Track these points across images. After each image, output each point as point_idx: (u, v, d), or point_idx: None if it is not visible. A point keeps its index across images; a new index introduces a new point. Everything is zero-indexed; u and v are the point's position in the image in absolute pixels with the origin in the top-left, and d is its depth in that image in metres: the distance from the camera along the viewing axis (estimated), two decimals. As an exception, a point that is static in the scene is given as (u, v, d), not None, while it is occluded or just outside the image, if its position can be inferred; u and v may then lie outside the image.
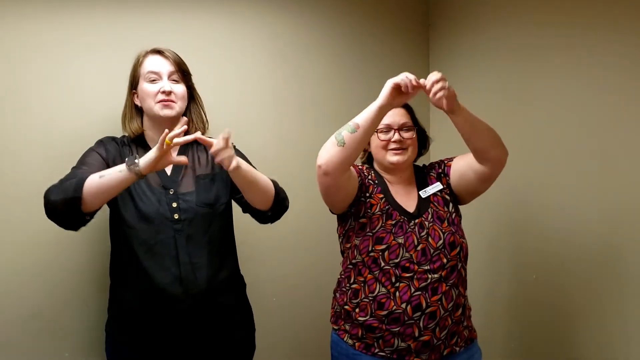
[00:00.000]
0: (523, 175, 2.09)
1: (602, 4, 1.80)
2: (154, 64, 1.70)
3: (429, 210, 1.69)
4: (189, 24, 2.10)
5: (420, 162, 1.87)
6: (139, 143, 1.74)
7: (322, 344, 2.37)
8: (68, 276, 1.92)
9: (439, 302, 1.60)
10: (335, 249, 2.27)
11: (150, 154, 1.51)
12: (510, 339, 2.16)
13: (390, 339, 1.61)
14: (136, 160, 1.50)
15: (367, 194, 1.71)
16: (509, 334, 2.16)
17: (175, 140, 1.49)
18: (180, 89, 1.72)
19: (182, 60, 1.75)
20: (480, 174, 1.67)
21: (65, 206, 1.51)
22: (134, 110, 1.75)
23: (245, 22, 2.21)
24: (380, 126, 1.71)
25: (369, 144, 1.77)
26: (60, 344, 1.93)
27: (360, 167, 1.79)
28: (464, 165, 1.71)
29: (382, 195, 1.71)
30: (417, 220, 1.66)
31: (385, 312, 1.61)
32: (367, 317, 1.64)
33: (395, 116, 1.73)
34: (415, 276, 1.60)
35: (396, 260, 1.62)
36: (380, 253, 1.63)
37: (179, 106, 1.71)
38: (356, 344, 1.67)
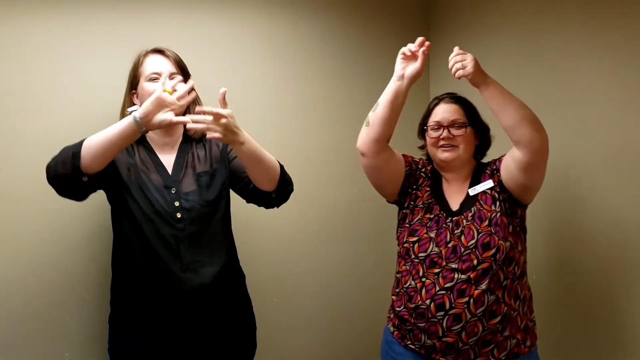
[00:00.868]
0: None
1: (603, 4, 1.80)
2: (155, 63, 1.71)
3: (473, 208, 1.65)
4: (189, 24, 2.10)
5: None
6: (139, 141, 1.73)
7: (323, 343, 2.38)
8: (68, 276, 1.92)
9: (465, 305, 1.55)
10: (336, 248, 2.28)
11: (148, 101, 1.51)
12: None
13: (418, 333, 1.63)
14: (136, 107, 1.52)
15: (415, 186, 1.74)
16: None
17: (176, 95, 1.52)
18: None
19: (181, 60, 1.76)
20: (518, 160, 1.58)
21: (63, 165, 1.52)
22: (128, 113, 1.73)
23: (245, 22, 2.21)
24: (431, 123, 1.72)
25: (425, 141, 1.77)
26: (60, 344, 1.93)
27: (416, 159, 1.81)
28: (508, 156, 1.65)
29: (428, 189, 1.72)
30: (455, 218, 1.65)
31: (413, 306, 1.62)
32: (402, 308, 1.67)
33: (446, 113, 1.71)
34: (441, 273, 1.59)
35: (425, 254, 1.63)
36: (412, 245, 1.66)
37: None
38: (395, 332, 1.71)
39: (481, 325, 1.56)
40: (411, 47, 1.60)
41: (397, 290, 1.71)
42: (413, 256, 1.65)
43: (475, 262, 1.57)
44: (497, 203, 1.64)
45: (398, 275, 1.72)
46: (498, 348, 1.58)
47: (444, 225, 1.65)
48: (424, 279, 1.62)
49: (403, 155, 1.80)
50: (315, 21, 2.34)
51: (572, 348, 1.90)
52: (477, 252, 1.57)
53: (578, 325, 1.89)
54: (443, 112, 1.71)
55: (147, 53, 1.73)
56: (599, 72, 1.81)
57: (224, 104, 1.55)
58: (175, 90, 1.56)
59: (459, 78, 1.55)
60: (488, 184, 1.67)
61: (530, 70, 2.06)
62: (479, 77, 1.54)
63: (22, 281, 1.88)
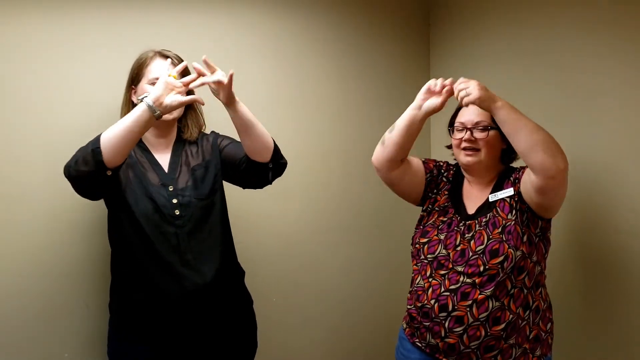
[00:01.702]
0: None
1: (604, 4, 1.79)
2: (160, 69, 1.70)
3: (489, 214, 1.62)
4: (190, 24, 2.10)
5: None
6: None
7: (322, 343, 2.38)
8: (68, 276, 1.92)
9: (468, 309, 1.55)
10: (337, 247, 2.27)
11: (157, 86, 1.56)
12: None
13: (424, 332, 1.64)
14: (146, 94, 1.57)
15: (436, 190, 1.76)
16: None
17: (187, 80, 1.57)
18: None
19: (187, 69, 1.73)
20: (533, 183, 1.53)
21: (85, 163, 1.54)
22: (131, 106, 1.74)
23: (245, 22, 2.21)
24: (456, 124, 1.71)
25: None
26: (60, 344, 1.92)
27: (440, 163, 1.82)
28: (527, 173, 1.59)
29: (447, 193, 1.74)
30: (468, 222, 1.65)
31: (420, 305, 1.64)
32: (412, 306, 1.69)
33: (471, 114, 1.68)
34: (448, 275, 1.60)
35: (433, 255, 1.64)
36: (422, 246, 1.68)
37: (177, 112, 1.72)
38: (406, 329, 1.74)
39: (484, 330, 1.55)
40: (439, 83, 1.64)
41: (410, 288, 1.74)
42: (422, 257, 1.68)
43: (481, 268, 1.56)
44: (514, 212, 1.59)
45: (413, 274, 1.74)
46: (502, 355, 1.57)
47: (455, 228, 1.65)
48: (431, 279, 1.63)
49: (424, 161, 1.80)
50: (315, 21, 2.34)
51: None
52: (484, 258, 1.56)
53: (572, 325, 1.89)
54: (469, 113, 1.68)
55: (154, 55, 1.74)
56: (602, 71, 1.81)
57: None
58: (179, 75, 1.61)
59: (467, 105, 1.55)
60: (509, 191, 1.63)
61: (530, 70, 2.06)
62: (486, 101, 1.51)
63: (22, 282, 1.87)
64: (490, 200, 1.65)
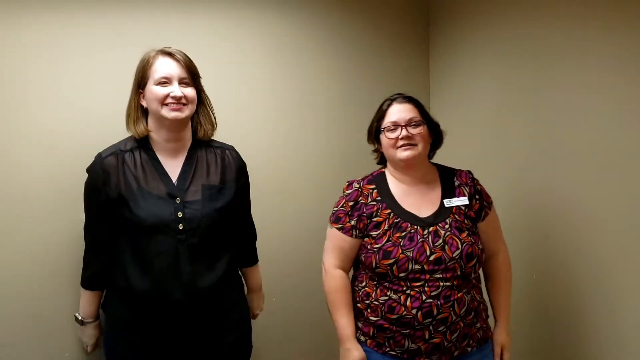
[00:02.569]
0: (521, 176, 2.08)
1: (605, 3, 1.79)
2: (165, 67, 1.65)
3: (448, 219, 1.66)
4: (190, 24, 2.10)
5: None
6: (143, 146, 1.71)
7: (322, 344, 2.38)
8: (68, 276, 1.92)
9: (451, 309, 1.60)
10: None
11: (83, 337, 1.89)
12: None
13: (400, 339, 1.62)
14: (78, 317, 1.84)
15: (373, 218, 1.68)
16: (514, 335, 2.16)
17: None
18: (190, 92, 1.67)
19: (192, 62, 1.71)
20: (484, 245, 1.73)
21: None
22: (140, 111, 1.70)
23: (245, 23, 2.21)
24: (387, 124, 1.69)
25: (380, 144, 1.75)
26: (60, 344, 1.93)
27: (358, 191, 1.73)
28: (485, 232, 1.74)
29: (389, 210, 1.68)
30: (431, 229, 1.64)
31: (395, 316, 1.61)
32: (378, 318, 1.65)
33: (402, 112, 1.69)
34: (426, 284, 1.60)
35: (405, 274, 1.61)
36: (389, 267, 1.61)
37: (189, 109, 1.67)
38: (368, 341, 1.69)
39: (462, 323, 1.63)
40: None
41: (367, 301, 1.68)
42: (392, 277, 1.62)
43: (458, 271, 1.61)
44: (467, 219, 1.69)
45: (367, 289, 1.69)
46: (472, 339, 1.67)
47: (420, 239, 1.62)
48: (407, 291, 1.61)
49: (344, 230, 1.71)
50: (314, 21, 2.34)
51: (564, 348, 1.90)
52: (461, 262, 1.61)
53: (572, 325, 1.89)
54: (399, 111, 1.69)
55: (156, 54, 1.68)
56: (600, 71, 1.80)
57: None
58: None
59: None
60: (463, 200, 1.70)
61: (530, 70, 2.06)
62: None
63: (22, 282, 1.88)
64: (445, 205, 1.69)
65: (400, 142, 1.67)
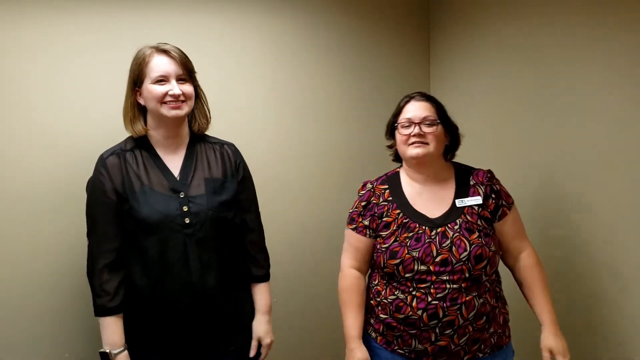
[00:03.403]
0: (521, 176, 2.08)
1: (606, 2, 1.79)
2: (161, 65, 1.63)
3: (458, 220, 1.63)
4: (190, 23, 2.10)
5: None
6: (143, 146, 1.70)
7: (323, 343, 2.38)
8: (68, 277, 1.92)
9: (458, 312, 1.57)
10: (335, 247, 2.25)
11: None
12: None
13: (408, 339, 1.62)
14: (107, 351, 1.62)
15: (383, 218, 1.69)
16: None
17: None
18: (188, 88, 1.67)
19: (187, 58, 1.70)
20: (504, 249, 1.71)
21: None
22: (137, 109, 1.69)
23: (245, 22, 2.21)
24: (402, 120, 1.69)
25: (395, 140, 1.74)
26: (60, 344, 1.92)
27: (370, 192, 1.76)
28: (506, 232, 1.69)
29: (398, 211, 1.68)
30: (439, 230, 1.62)
31: (402, 316, 1.61)
32: (387, 316, 1.65)
33: (417, 110, 1.68)
34: (432, 286, 1.58)
35: (411, 274, 1.60)
36: (395, 267, 1.62)
37: (188, 106, 1.67)
38: (378, 337, 1.70)
39: (471, 327, 1.59)
40: None
41: (378, 299, 1.69)
42: (399, 277, 1.62)
43: (467, 274, 1.58)
44: (480, 219, 1.65)
45: (378, 287, 1.70)
46: (484, 344, 1.63)
47: (427, 239, 1.61)
48: (413, 292, 1.60)
49: (358, 229, 1.74)
50: (314, 21, 2.34)
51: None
52: (469, 264, 1.58)
53: (574, 323, 1.89)
54: (414, 109, 1.68)
55: (152, 52, 1.65)
56: (601, 70, 1.80)
57: None
58: None
59: None
60: (476, 199, 1.67)
61: (530, 70, 2.06)
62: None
63: (22, 282, 1.88)
64: (457, 205, 1.66)
65: (412, 140, 1.66)
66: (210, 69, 2.10)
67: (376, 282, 1.72)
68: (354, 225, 1.74)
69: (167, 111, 1.63)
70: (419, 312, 1.58)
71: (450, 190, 1.70)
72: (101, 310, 1.62)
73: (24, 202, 1.87)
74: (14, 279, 1.87)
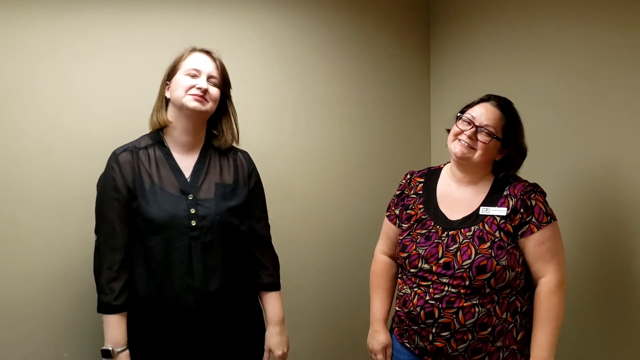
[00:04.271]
0: (523, 173, 2.08)
1: (607, 2, 1.79)
2: (198, 60, 1.66)
3: (474, 227, 1.59)
4: (190, 24, 2.10)
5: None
6: (158, 143, 1.69)
7: (323, 343, 2.38)
8: (67, 276, 1.92)
9: (454, 316, 1.54)
10: (335, 248, 2.27)
11: None
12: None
13: (412, 334, 1.64)
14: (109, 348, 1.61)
15: (407, 210, 1.72)
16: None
17: None
18: (215, 91, 1.66)
19: (226, 69, 1.71)
20: (532, 270, 1.59)
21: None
22: (163, 101, 1.69)
23: (245, 22, 2.21)
24: (466, 115, 1.62)
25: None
26: (59, 344, 1.92)
27: (407, 182, 1.79)
28: (529, 252, 1.57)
29: (422, 206, 1.69)
30: (451, 232, 1.60)
31: (407, 310, 1.64)
32: (399, 309, 1.69)
33: (484, 114, 1.61)
34: (432, 285, 1.59)
35: (415, 270, 1.62)
36: (404, 260, 1.66)
37: (209, 106, 1.65)
38: (395, 329, 1.74)
39: (471, 335, 1.55)
40: None
41: (398, 293, 1.73)
42: (406, 271, 1.66)
43: (467, 282, 1.54)
44: (500, 232, 1.57)
45: (399, 279, 1.76)
46: (490, 357, 1.57)
47: (436, 240, 1.61)
48: (416, 288, 1.62)
49: (389, 217, 1.80)
50: (315, 21, 2.34)
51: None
52: (470, 273, 1.54)
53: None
54: (484, 111, 1.61)
55: (193, 50, 1.69)
56: (604, 69, 1.80)
57: None
58: None
59: None
60: (501, 211, 1.59)
61: (530, 69, 2.06)
62: None
63: (21, 282, 1.87)
64: (480, 212, 1.60)
65: (462, 137, 1.61)
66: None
67: (400, 274, 1.76)
68: (388, 213, 1.81)
69: (188, 101, 1.62)
70: (417, 309, 1.59)
71: (480, 196, 1.64)
72: (105, 308, 1.61)
73: (24, 202, 1.87)
74: (14, 279, 1.87)
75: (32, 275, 1.89)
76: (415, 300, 1.60)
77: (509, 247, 1.55)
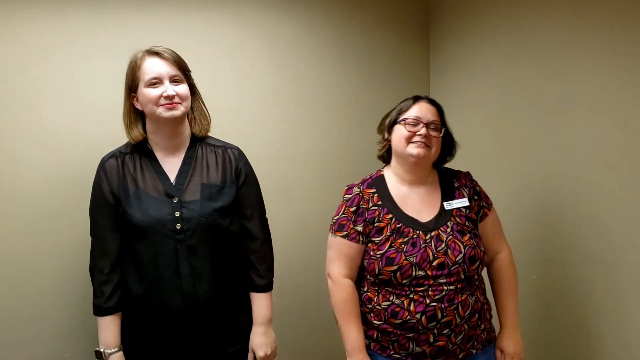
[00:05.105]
0: (522, 176, 2.09)
1: (605, 5, 1.79)
2: (153, 67, 1.62)
3: (449, 222, 1.65)
4: (190, 25, 2.10)
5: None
6: (142, 151, 1.69)
7: (323, 343, 2.38)
8: (67, 277, 1.93)
9: (455, 312, 1.59)
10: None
11: None
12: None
13: (405, 342, 1.62)
14: (101, 350, 1.64)
15: (375, 223, 1.66)
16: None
17: None
18: (183, 89, 1.65)
19: (180, 58, 1.68)
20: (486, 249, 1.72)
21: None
22: (134, 114, 1.68)
23: (245, 22, 2.21)
24: (410, 116, 1.68)
25: (390, 134, 1.72)
26: (59, 344, 1.93)
27: (359, 196, 1.70)
28: (487, 233, 1.73)
29: (390, 215, 1.66)
30: (433, 233, 1.63)
31: (399, 321, 1.60)
32: (382, 322, 1.64)
33: (427, 112, 1.69)
34: (430, 288, 1.59)
35: (408, 280, 1.60)
36: (392, 274, 1.60)
37: (184, 106, 1.65)
38: (372, 344, 1.68)
39: (466, 325, 1.62)
40: None
41: (370, 306, 1.67)
42: (396, 282, 1.60)
43: (462, 275, 1.61)
44: (467, 221, 1.68)
45: (369, 294, 1.67)
46: (477, 340, 1.67)
47: (422, 244, 1.61)
48: (411, 296, 1.60)
49: (350, 236, 1.67)
50: (314, 21, 2.34)
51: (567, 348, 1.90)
52: (464, 266, 1.61)
53: (571, 324, 1.89)
54: (425, 110, 1.69)
55: (143, 55, 1.64)
56: (602, 69, 1.80)
57: None
58: None
59: None
60: (464, 201, 1.70)
61: (530, 69, 2.06)
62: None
63: (21, 282, 1.88)
64: (446, 208, 1.68)
65: (417, 138, 1.65)
66: (210, 70, 2.11)
67: (365, 289, 1.69)
68: (345, 233, 1.67)
69: (163, 112, 1.62)
70: (418, 316, 1.58)
71: (436, 193, 1.72)
72: (97, 310, 1.64)
73: (23, 202, 1.87)
74: (13, 278, 1.87)
75: (33, 276, 1.89)
76: (412, 307, 1.59)
77: (477, 233, 1.69)
